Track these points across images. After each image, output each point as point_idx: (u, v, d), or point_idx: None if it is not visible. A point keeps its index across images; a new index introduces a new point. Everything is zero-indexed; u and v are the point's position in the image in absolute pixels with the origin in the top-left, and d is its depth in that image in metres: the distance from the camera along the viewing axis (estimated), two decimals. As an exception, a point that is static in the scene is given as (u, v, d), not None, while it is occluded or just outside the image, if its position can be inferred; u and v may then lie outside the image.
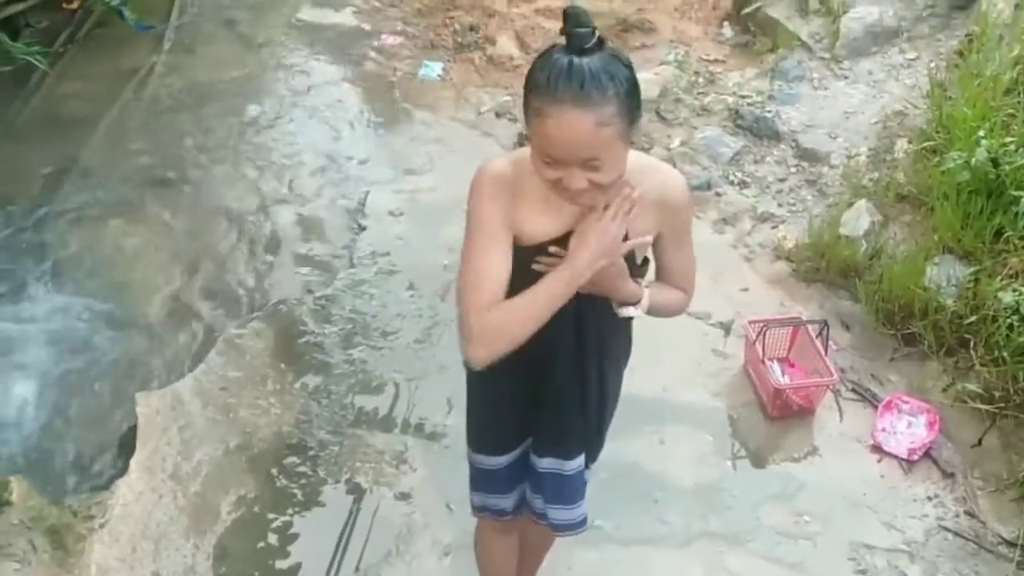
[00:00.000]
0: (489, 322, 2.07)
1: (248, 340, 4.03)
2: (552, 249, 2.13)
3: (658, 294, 2.31)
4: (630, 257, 2.20)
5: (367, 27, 6.13)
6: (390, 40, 6.01)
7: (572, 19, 1.94)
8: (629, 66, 1.99)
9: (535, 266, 2.12)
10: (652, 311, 2.30)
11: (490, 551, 2.93)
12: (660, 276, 2.36)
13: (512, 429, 2.54)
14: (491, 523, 2.79)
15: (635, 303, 2.26)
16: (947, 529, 3.50)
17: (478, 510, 2.74)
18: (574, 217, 2.13)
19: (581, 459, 2.52)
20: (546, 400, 2.42)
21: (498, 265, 2.11)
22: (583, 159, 1.96)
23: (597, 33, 1.95)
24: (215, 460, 3.57)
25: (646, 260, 2.29)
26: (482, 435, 2.60)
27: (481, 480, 2.66)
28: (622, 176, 2.05)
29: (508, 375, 2.37)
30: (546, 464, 2.50)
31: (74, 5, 5.96)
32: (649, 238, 2.20)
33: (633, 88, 1.98)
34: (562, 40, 1.96)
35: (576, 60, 1.92)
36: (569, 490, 2.56)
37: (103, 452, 3.63)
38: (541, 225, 2.14)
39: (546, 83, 1.93)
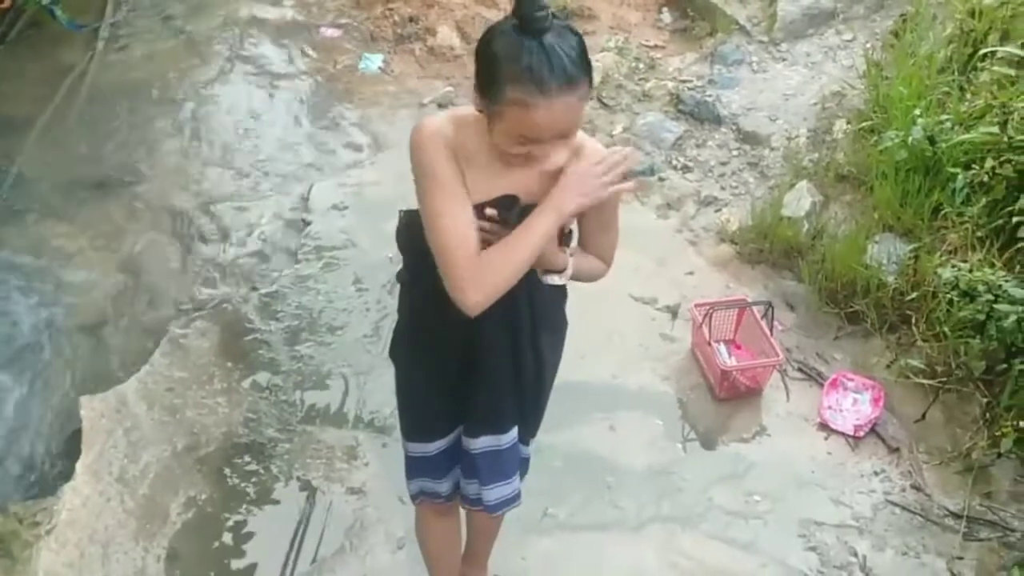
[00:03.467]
0: (482, 267, 2.09)
1: (193, 339, 3.99)
2: (488, 212, 2.15)
3: (581, 262, 2.35)
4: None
5: (306, 20, 6.05)
6: (329, 33, 5.95)
7: (527, 2, 1.94)
8: (578, 33, 2.02)
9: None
10: (574, 278, 2.34)
11: (431, 534, 2.94)
12: (585, 248, 2.40)
13: (443, 414, 2.55)
14: (430, 507, 2.80)
15: (560, 271, 2.29)
16: (894, 503, 3.55)
17: (416, 496, 2.75)
18: (511, 181, 2.16)
19: (514, 432, 2.53)
20: (477, 378, 2.43)
21: (468, 214, 2.12)
22: (564, 133, 2.02)
23: (550, 12, 1.97)
24: (163, 462, 3.53)
25: (570, 231, 2.31)
26: (414, 422, 2.61)
27: (416, 467, 2.67)
28: None
29: (435, 359, 2.41)
30: (481, 444, 2.51)
31: (5, 5, 5.83)
32: (632, 184, 2.25)
33: (587, 53, 2.03)
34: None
35: (548, 43, 1.94)
36: (506, 464, 2.57)
37: (47, 457, 3.57)
38: (479, 187, 2.15)
39: (529, 74, 1.93)
